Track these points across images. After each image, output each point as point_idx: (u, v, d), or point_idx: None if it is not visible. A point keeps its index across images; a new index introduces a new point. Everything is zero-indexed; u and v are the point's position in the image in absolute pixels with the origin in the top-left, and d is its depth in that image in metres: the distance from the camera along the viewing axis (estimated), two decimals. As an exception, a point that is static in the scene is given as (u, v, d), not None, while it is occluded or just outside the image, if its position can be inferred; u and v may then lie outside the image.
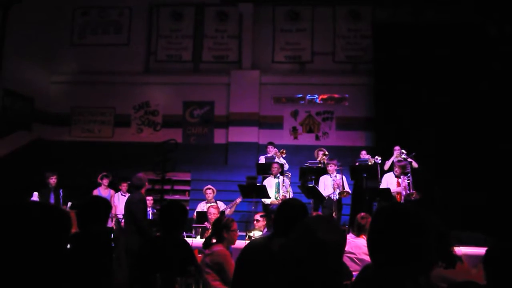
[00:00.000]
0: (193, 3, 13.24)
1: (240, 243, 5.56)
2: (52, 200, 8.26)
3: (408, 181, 8.09)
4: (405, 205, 1.69)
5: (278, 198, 8.37)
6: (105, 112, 12.91)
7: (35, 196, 7.78)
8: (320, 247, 1.63)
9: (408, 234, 1.53)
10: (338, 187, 8.24)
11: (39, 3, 11.83)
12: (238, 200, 8.26)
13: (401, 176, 8.16)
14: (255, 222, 7.51)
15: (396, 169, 8.26)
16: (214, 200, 8.31)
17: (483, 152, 9.72)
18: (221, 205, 8.35)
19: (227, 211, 8.25)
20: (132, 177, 6.36)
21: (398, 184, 8.16)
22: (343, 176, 8.51)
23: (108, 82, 12.76)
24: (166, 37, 13.27)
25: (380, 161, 8.87)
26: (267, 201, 8.39)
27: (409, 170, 8.22)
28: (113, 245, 2.81)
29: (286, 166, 9.33)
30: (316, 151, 9.67)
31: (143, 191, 6.23)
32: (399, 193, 8.08)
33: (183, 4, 13.26)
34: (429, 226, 1.57)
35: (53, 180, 8.31)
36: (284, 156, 9.46)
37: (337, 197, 8.25)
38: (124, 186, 8.81)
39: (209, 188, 8.41)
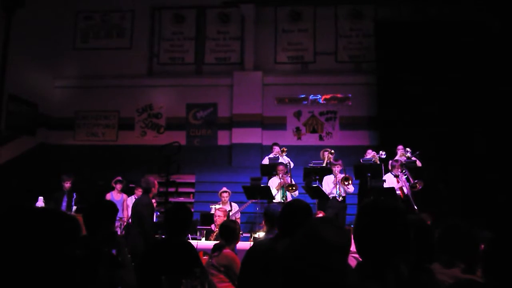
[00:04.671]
0: (195, 6, 13.26)
1: (245, 244, 5.57)
2: (64, 203, 8.34)
3: (406, 176, 8.15)
4: (387, 200, 1.76)
5: (284, 199, 8.36)
6: (109, 115, 12.95)
7: (40, 201, 7.82)
8: (325, 248, 1.63)
9: (387, 228, 1.62)
10: (338, 183, 8.25)
11: (42, 8, 11.90)
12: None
13: (399, 174, 8.23)
14: (264, 222, 7.52)
15: (395, 169, 8.30)
16: (229, 202, 8.38)
17: (488, 150, 9.70)
18: (235, 207, 8.39)
19: (238, 215, 8.31)
20: (139, 180, 6.40)
21: (398, 183, 8.22)
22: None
23: (112, 86, 12.80)
24: (168, 39, 13.30)
25: (384, 156, 8.90)
26: (277, 198, 8.37)
27: (404, 164, 8.33)
28: (114, 251, 2.81)
29: (292, 165, 9.34)
30: (321, 152, 9.64)
31: (151, 194, 6.26)
32: (400, 188, 8.10)
33: (185, 6, 13.29)
34: (408, 220, 1.69)
35: (68, 184, 8.44)
36: (285, 154, 9.48)
37: (341, 190, 8.26)
38: (140, 191, 8.82)
39: (225, 191, 8.43)
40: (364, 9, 12.75)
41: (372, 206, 1.71)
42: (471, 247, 2.51)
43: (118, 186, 9.06)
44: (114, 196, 8.94)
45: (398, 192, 8.09)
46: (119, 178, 9.10)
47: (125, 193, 9.26)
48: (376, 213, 1.67)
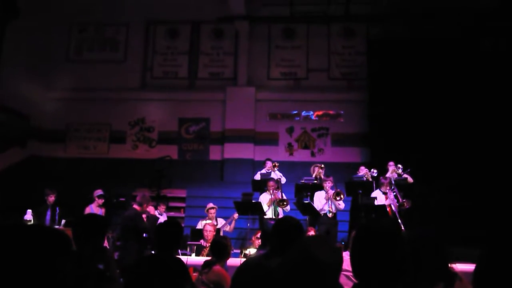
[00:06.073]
0: (189, 21, 13.36)
1: (236, 261, 5.53)
2: (48, 217, 8.20)
3: (394, 193, 8.17)
4: (382, 222, 1.75)
5: (276, 216, 8.31)
6: (101, 128, 12.89)
7: (29, 214, 7.70)
8: (317, 266, 1.63)
9: (385, 251, 1.61)
10: (330, 199, 8.25)
11: (37, 19, 11.91)
12: (236, 215, 8.24)
13: (387, 191, 8.25)
14: (254, 239, 7.50)
15: (384, 187, 8.31)
16: (215, 218, 8.32)
17: (480, 166, 9.78)
18: (221, 222, 8.32)
19: (227, 228, 8.23)
20: (129, 194, 6.42)
21: (387, 199, 8.23)
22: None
23: (104, 99, 12.78)
24: (162, 54, 13.35)
25: (376, 174, 8.91)
26: (268, 214, 8.32)
27: (393, 182, 8.35)
28: (100, 266, 2.78)
29: (283, 180, 9.33)
30: (312, 167, 9.66)
31: (140, 208, 6.31)
32: (389, 205, 8.10)
33: (179, 21, 13.39)
34: (405, 242, 1.67)
35: (52, 198, 8.31)
36: (277, 169, 9.49)
37: (331, 207, 8.25)
38: (162, 207, 8.72)
39: (213, 208, 8.38)
40: (356, 27, 12.93)
41: (369, 228, 1.70)
42: (446, 261, 2.51)
43: (100, 201, 8.59)
44: (94, 209, 8.49)
45: (387, 209, 8.10)
46: (101, 192, 8.65)
47: (106, 207, 8.83)
48: (373, 236, 1.66)
